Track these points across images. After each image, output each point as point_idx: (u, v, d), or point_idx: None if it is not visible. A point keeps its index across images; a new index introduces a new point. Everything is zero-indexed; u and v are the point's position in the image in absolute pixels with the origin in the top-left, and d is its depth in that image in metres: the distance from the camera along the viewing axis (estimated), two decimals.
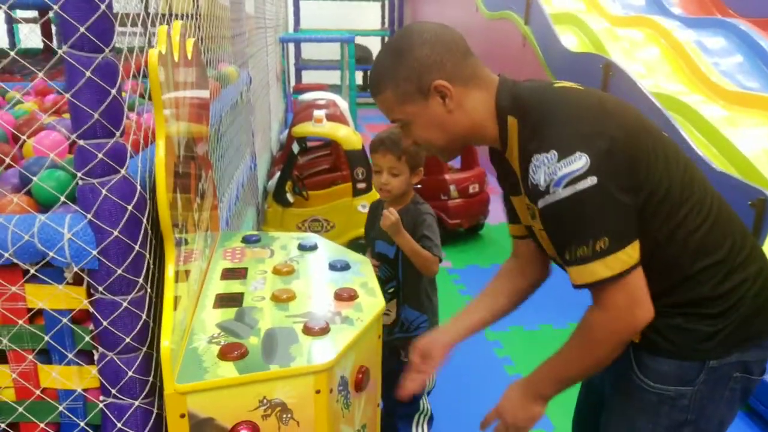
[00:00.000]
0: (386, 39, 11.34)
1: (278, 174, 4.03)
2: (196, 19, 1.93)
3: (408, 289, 2.07)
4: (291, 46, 10.41)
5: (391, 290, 2.05)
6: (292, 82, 9.79)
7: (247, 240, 1.71)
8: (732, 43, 4.88)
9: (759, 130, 3.85)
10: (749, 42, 4.81)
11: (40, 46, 4.66)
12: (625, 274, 1.11)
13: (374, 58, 1.34)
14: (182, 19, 1.61)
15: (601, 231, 1.10)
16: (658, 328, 1.20)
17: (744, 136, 3.73)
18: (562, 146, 1.09)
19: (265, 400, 1.14)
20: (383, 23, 11.50)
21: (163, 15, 1.44)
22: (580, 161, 1.07)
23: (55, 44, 4.55)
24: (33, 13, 5.32)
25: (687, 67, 4.67)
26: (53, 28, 5.03)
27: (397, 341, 2.09)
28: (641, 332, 1.20)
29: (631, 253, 1.12)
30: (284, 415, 1.17)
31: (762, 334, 1.24)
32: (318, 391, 1.17)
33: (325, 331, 1.27)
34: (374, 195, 3.79)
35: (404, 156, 2.03)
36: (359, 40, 8.77)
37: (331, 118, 4.12)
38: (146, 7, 1.29)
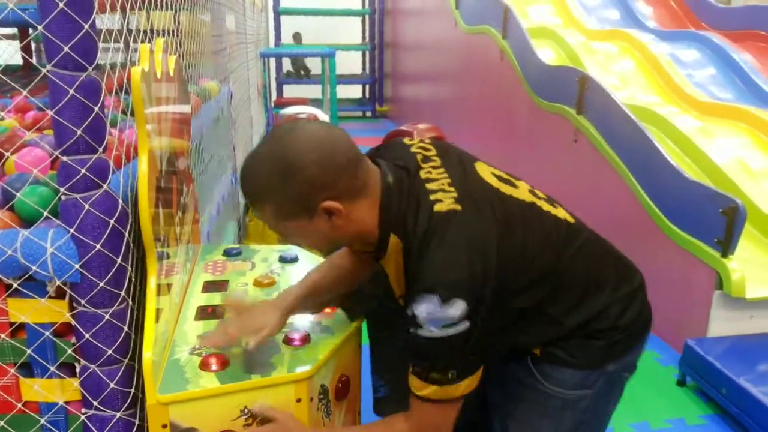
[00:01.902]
0: (366, 53, 11.44)
1: None
2: (178, 35, 1.95)
3: None
4: (272, 61, 10.44)
5: None
6: (274, 96, 9.81)
7: (228, 253, 1.73)
8: (705, 55, 4.99)
9: (731, 140, 3.93)
10: (722, 54, 4.91)
11: (19, 62, 4.64)
12: (453, 401, 1.19)
13: (251, 163, 1.18)
14: (163, 36, 1.64)
15: (457, 365, 1.17)
16: (561, 346, 1.30)
17: (717, 146, 3.81)
18: (443, 294, 1.12)
19: (246, 410, 1.16)
20: (364, 37, 11.57)
21: (145, 31, 1.46)
22: (458, 309, 1.11)
23: (34, 60, 4.54)
24: (11, 29, 5.29)
25: (661, 79, 4.76)
26: (32, 45, 5.02)
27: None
28: (542, 348, 1.30)
29: (467, 384, 1.19)
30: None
31: (645, 334, 1.38)
32: (299, 400, 1.20)
33: (305, 341, 1.29)
34: None
35: None
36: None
37: None
38: (127, 24, 1.32)
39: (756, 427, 2.41)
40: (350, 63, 11.38)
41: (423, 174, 1.24)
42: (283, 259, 1.69)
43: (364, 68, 11.79)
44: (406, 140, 1.35)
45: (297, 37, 11.09)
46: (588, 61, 4.79)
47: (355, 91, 11.86)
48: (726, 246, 2.89)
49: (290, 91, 10.48)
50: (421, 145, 1.33)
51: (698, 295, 3.02)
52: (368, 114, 11.39)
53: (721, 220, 2.89)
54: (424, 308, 1.13)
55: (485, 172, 1.32)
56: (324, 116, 4.98)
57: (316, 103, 7.01)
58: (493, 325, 1.19)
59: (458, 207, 1.18)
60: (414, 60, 9.26)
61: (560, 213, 1.34)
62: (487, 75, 5.86)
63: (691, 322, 3.02)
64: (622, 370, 1.36)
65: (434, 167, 1.26)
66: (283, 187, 1.14)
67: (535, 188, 1.38)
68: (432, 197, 1.19)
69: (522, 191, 1.32)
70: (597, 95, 3.98)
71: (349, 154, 1.16)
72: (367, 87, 11.65)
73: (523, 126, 5.09)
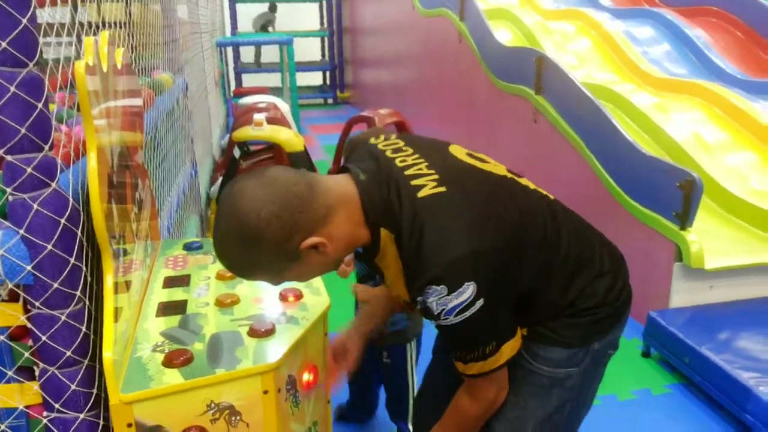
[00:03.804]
0: (324, 39, 11.35)
1: (220, 179, 4.00)
2: (128, 27, 1.91)
3: None
4: (230, 50, 10.31)
5: None
6: (233, 86, 9.70)
7: (188, 247, 1.71)
8: (659, 32, 5.07)
9: (687, 115, 4.01)
10: (675, 30, 5.00)
11: None
12: (500, 368, 1.23)
13: (218, 248, 1.19)
14: (113, 28, 1.60)
15: (489, 339, 1.20)
16: (551, 327, 1.31)
17: (673, 121, 3.88)
18: (450, 280, 1.12)
19: (212, 404, 1.15)
20: (322, 23, 11.49)
21: (94, 24, 1.42)
22: (468, 291, 1.12)
23: None
24: None
25: (617, 56, 4.82)
26: None
27: (376, 337, 2.11)
28: (529, 327, 1.32)
29: (509, 350, 1.23)
30: (233, 418, 1.18)
31: (626, 312, 1.40)
32: (266, 392, 1.19)
33: (270, 332, 1.28)
34: None
35: None
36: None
37: (271, 121, 4.10)
38: (73, 17, 1.28)
39: (719, 393, 2.48)
40: (309, 50, 11.30)
41: (398, 163, 1.23)
42: None
43: (323, 55, 11.72)
44: (372, 140, 1.34)
45: (273, 7, 10.96)
46: (545, 41, 4.83)
47: (315, 79, 11.79)
48: (684, 219, 2.96)
49: (249, 80, 10.37)
50: (386, 141, 1.32)
51: (659, 268, 3.09)
52: (329, 101, 11.35)
53: (678, 193, 2.95)
54: (434, 302, 1.14)
55: (460, 153, 1.32)
56: (284, 105, 4.94)
57: (275, 91, 6.95)
58: (510, 292, 1.21)
59: (442, 189, 1.18)
60: (373, 45, 9.23)
61: (541, 190, 1.36)
62: (445, 58, 5.87)
63: (653, 295, 3.09)
64: (607, 348, 1.38)
65: (407, 155, 1.26)
66: (258, 255, 1.13)
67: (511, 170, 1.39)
68: (413, 183, 1.18)
69: (500, 169, 1.33)
70: (554, 75, 4.02)
71: (298, 188, 1.13)
72: (327, 74, 11.59)
73: (482, 107, 5.12)
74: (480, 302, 1.13)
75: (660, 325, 2.83)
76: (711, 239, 3.10)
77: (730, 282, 3.07)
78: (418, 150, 1.28)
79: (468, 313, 1.13)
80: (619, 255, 1.40)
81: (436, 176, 1.20)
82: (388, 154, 1.27)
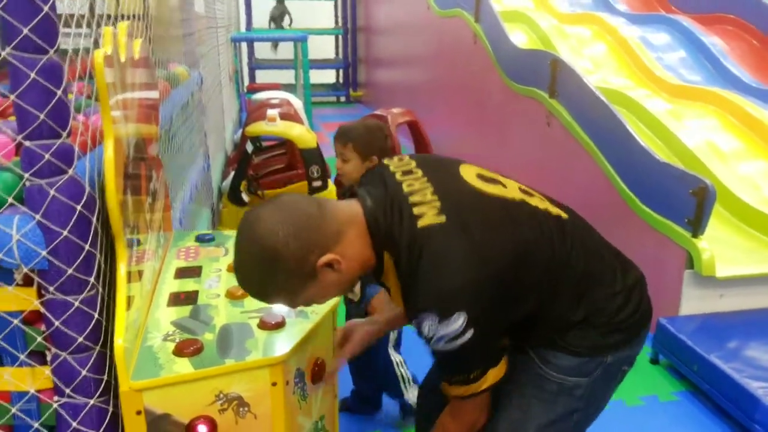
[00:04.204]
0: (339, 38, 11.36)
1: (232, 174, 4.01)
2: (146, 19, 1.92)
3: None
4: (244, 46, 10.34)
5: None
6: (246, 82, 9.73)
7: (200, 239, 1.72)
8: (675, 38, 5.04)
9: (701, 122, 3.99)
10: (691, 37, 4.97)
11: None
12: (483, 392, 1.26)
13: (238, 273, 1.20)
14: (131, 20, 1.61)
15: (477, 365, 1.24)
16: (562, 336, 1.31)
17: (686, 128, 3.86)
18: (441, 309, 1.14)
19: (221, 395, 1.16)
20: (336, 22, 11.50)
21: (113, 16, 1.44)
22: (458, 321, 1.14)
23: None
24: None
25: (632, 62, 4.80)
26: None
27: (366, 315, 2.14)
28: (543, 336, 1.33)
29: (492, 376, 1.25)
30: (241, 409, 1.18)
31: (643, 329, 1.39)
32: (274, 384, 1.19)
33: (280, 325, 1.29)
34: (330, 194, 3.80)
35: (350, 143, 2.17)
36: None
37: (284, 116, 4.10)
38: (92, 8, 1.29)
39: (726, 402, 2.47)
40: (323, 48, 11.30)
41: (405, 187, 1.25)
42: None
43: (337, 53, 11.72)
44: (385, 161, 1.37)
45: (281, 0, 11.05)
46: (560, 45, 4.82)
47: (328, 76, 11.80)
48: (696, 226, 2.94)
49: (263, 76, 10.39)
50: (399, 163, 1.34)
51: (670, 275, 3.07)
52: (342, 99, 11.35)
53: (691, 200, 2.93)
54: (426, 326, 1.16)
55: (470, 174, 1.32)
56: (297, 101, 4.95)
57: (289, 88, 6.96)
58: (504, 321, 1.24)
59: (442, 219, 1.19)
60: (387, 44, 9.23)
61: (553, 209, 1.34)
62: (460, 59, 5.86)
63: (663, 301, 3.07)
64: (622, 363, 1.38)
65: (416, 179, 1.27)
66: (277, 276, 1.15)
67: (528, 187, 1.38)
68: (415, 211, 1.20)
69: (511, 190, 1.32)
70: (569, 78, 4.00)
71: (309, 209, 1.17)
72: (341, 72, 11.59)
73: (496, 109, 5.11)
74: (470, 332, 1.14)
75: (669, 332, 2.81)
76: (722, 247, 3.08)
77: (741, 291, 3.05)
78: (427, 173, 1.29)
79: (458, 342, 1.15)
80: (636, 272, 1.39)
81: (438, 204, 1.21)
82: (398, 177, 1.29)
